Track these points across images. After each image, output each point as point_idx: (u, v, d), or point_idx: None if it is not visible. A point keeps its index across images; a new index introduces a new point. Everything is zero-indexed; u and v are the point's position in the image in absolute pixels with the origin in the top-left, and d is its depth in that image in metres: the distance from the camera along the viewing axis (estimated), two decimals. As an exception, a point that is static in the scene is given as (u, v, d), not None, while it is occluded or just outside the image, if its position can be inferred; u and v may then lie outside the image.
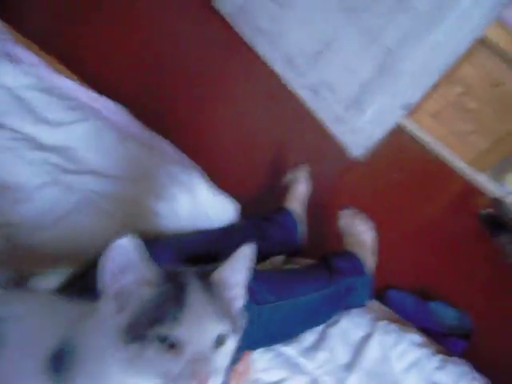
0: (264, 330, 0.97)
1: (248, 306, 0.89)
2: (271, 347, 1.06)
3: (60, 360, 0.58)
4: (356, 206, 1.46)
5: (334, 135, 2.00)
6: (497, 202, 2.36)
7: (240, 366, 0.95)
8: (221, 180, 1.39)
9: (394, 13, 1.77)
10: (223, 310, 0.54)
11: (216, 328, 0.52)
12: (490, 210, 2.27)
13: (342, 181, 1.94)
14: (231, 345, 0.55)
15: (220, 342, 0.53)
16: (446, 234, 2.07)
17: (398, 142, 2.23)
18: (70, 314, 0.62)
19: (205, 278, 0.56)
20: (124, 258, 0.52)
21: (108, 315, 0.54)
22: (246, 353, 0.98)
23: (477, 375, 1.29)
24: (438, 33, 1.68)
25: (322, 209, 1.60)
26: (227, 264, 0.58)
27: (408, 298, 1.59)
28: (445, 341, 1.48)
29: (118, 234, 1.07)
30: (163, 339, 0.50)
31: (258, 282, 0.97)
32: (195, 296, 0.52)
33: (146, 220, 1.17)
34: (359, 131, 1.94)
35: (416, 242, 1.92)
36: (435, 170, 2.32)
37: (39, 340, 0.60)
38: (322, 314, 1.13)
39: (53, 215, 1.11)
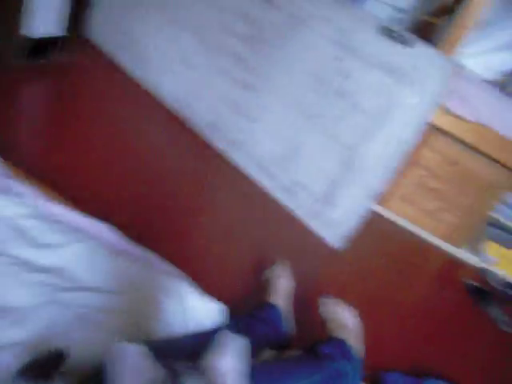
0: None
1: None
2: None
3: None
4: (342, 294, 1.54)
5: (312, 230, 2.13)
6: (480, 272, 2.45)
7: None
8: (207, 284, 1.49)
9: (348, 114, 2.00)
10: None
11: None
12: (474, 282, 2.35)
13: (326, 272, 2.03)
14: None
15: None
16: (436, 309, 2.13)
17: (374, 228, 2.36)
18: None
19: (196, 369, 0.61)
20: (135, 363, 0.59)
21: None
22: None
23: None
24: (388, 128, 1.90)
25: (307, 301, 1.68)
26: (212, 351, 0.63)
27: (402, 379, 1.61)
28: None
29: (113, 344, 1.15)
30: None
31: (253, 376, 1.03)
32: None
33: (139, 328, 1.24)
34: (335, 223, 2.08)
35: (407, 322, 1.97)
36: (415, 250, 2.44)
37: None
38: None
39: (50, 332, 1.18)
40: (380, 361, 1.64)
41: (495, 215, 2.51)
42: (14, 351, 1.10)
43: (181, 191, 2.03)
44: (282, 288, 1.51)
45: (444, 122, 2.24)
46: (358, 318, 1.45)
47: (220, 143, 2.35)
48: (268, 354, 1.30)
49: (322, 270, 2.03)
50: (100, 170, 1.93)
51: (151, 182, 2.01)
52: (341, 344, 1.32)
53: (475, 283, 2.34)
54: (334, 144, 2.05)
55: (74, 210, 1.54)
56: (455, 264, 2.47)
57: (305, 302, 1.68)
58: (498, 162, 2.26)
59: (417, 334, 1.91)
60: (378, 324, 1.83)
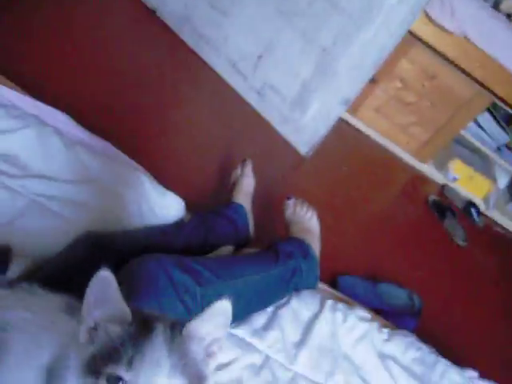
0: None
1: (191, 288, 0.94)
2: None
3: (52, 376, 0.60)
4: (307, 200, 1.52)
5: (281, 135, 2.07)
6: (443, 189, 2.49)
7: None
8: (170, 182, 1.44)
9: (327, 15, 1.87)
10: (184, 365, 0.53)
11: (167, 381, 0.51)
12: (437, 197, 2.39)
13: (292, 177, 2.01)
14: None
15: None
16: (397, 221, 2.17)
17: (344, 137, 2.33)
18: (64, 329, 0.63)
19: (175, 329, 0.55)
20: (102, 290, 0.54)
21: (81, 345, 0.56)
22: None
23: (423, 345, 1.36)
24: (368, 31, 1.79)
25: (272, 204, 1.66)
26: (201, 318, 0.56)
27: (358, 282, 1.66)
28: (396, 320, 1.55)
29: (68, 234, 1.11)
30: (114, 380, 0.51)
31: (202, 265, 1.01)
32: (155, 344, 0.52)
33: (94, 219, 1.19)
34: (304, 129, 2.02)
35: (368, 231, 2.00)
36: (382, 162, 2.43)
37: (37, 353, 0.62)
38: (270, 295, 1.18)
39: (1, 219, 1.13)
40: (339, 266, 1.68)
41: (465, 134, 2.50)
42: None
43: (147, 87, 1.91)
44: (246, 187, 1.47)
45: (426, 33, 2.14)
46: (319, 221, 1.44)
47: (191, 38, 2.19)
48: (227, 250, 1.29)
49: (288, 174, 2.01)
50: (59, 63, 1.77)
51: (120, 78, 1.88)
52: (300, 243, 1.32)
53: (437, 199, 2.38)
54: (309, 45, 1.93)
55: (24, 94, 1.42)
56: (420, 179, 2.50)
57: (269, 205, 1.66)
58: (476, 80, 2.20)
59: (377, 244, 1.95)
60: (339, 231, 1.85)
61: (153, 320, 0.55)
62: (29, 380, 0.62)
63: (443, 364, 1.37)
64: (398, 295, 1.72)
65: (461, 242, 2.24)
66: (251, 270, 1.11)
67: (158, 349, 0.51)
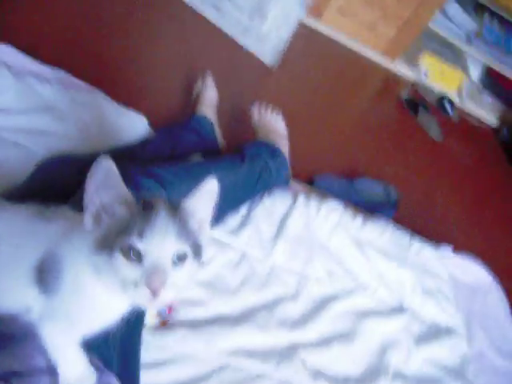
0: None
1: (155, 191, 0.95)
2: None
3: (44, 272, 0.65)
4: (278, 109, 1.51)
5: (244, 47, 2.01)
6: (415, 85, 2.47)
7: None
8: (133, 103, 1.41)
9: None
10: (186, 233, 0.59)
11: (175, 246, 0.57)
12: (410, 95, 2.37)
13: (260, 89, 1.97)
14: (190, 267, 0.59)
15: (179, 260, 0.57)
16: (371, 121, 2.16)
17: (310, 44, 2.27)
18: (45, 232, 0.68)
19: (173, 205, 0.60)
20: (105, 177, 0.58)
21: (87, 229, 0.60)
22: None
23: (398, 228, 1.41)
24: None
25: (241, 116, 1.64)
26: (193, 196, 0.61)
27: (334, 180, 1.68)
28: (374, 212, 1.58)
29: (31, 162, 1.10)
30: (127, 249, 0.56)
31: (165, 170, 1.02)
32: (161, 216, 0.57)
33: (55, 146, 1.18)
34: (266, 38, 1.96)
35: (342, 132, 2.00)
36: (352, 65, 2.38)
37: (23, 259, 0.66)
38: (239, 195, 1.19)
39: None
40: (314, 167, 1.69)
41: (433, 27, 2.43)
42: None
43: (103, 10, 1.82)
44: (208, 99, 1.45)
45: None
46: (285, 123, 1.44)
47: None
48: (195, 158, 1.29)
49: (256, 86, 1.97)
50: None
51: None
52: (267, 144, 1.32)
53: (410, 96, 2.36)
54: None
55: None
56: (392, 78, 2.46)
57: (238, 117, 1.64)
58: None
59: (353, 144, 1.95)
60: (314, 135, 1.85)
61: (151, 199, 0.60)
62: (17, 280, 0.66)
63: (418, 242, 1.42)
64: (374, 189, 1.74)
65: (436, 137, 2.26)
66: (217, 172, 1.11)
67: (163, 219, 0.57)
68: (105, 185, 0.58)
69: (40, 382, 0.68)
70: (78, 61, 1.54)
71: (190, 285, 1.07)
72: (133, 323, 0.85)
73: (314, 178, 1.64)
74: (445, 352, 1.24)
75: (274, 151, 1.29)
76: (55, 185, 1.04)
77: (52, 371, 0.70)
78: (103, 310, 0.67)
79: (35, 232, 0.69)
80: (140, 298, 0.57)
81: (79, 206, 0.63)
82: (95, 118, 1.28)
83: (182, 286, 0.59)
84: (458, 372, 1.22)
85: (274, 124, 1.39)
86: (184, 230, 0.59)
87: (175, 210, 0.60)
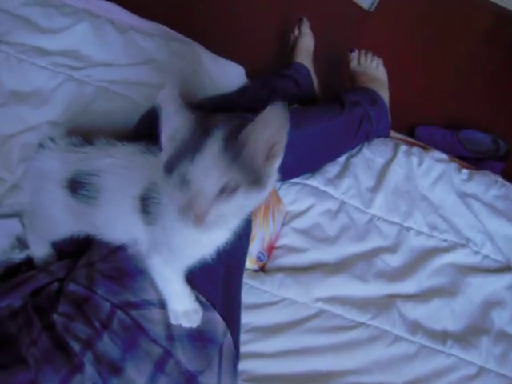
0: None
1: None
2: (296, 182, 1.13)
3: (146, 203, 0.70)
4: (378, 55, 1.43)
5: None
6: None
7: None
8: (228, 53, 1.42)
9: None
10: (240, 162, 0.56)
11: (222, 175, 0.55)
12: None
13: (357, 33, 1.88)
14: (244, 198, 0.57)
15: (228, 190, 0.56)
16: (479, 66, 1.98)
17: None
18: (149, 164, 0.72)
19: (233, 133, 0.57)
20: (167, 106, 0.59)
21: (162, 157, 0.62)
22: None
23: (508, 183, 1.30)
24: None
25: (337, 62, 1.58)
26: (255, 123, 0.57)
27: (437, 131, 1.58)
28: (480, 165, 1.48)
29: (136, 112, 1.16)
30: (181, 174, 0.57)
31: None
32: (211, 144, 0.56)
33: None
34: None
35: (446, 78, 1.86)
36: (458, 2, 2.17)
37: (129, 188, 0.72)
38: (339, 143, 1.17)
39: (75, 109, 1.20)
40: (415, 117, 1.60)
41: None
42: (44, 130, 1.14)
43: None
44: (305, 46, 1.41)
45: None
46: (386, 71, 1.37)
47: None
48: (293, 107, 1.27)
49: (353, 31, 1.88)
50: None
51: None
52: (367, 91, 1.26)
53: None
54: None
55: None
56: (506, 16, 2.21)
57: (334, 63, 1.58)
58: None
59: (458, 92, 1.81)
60: (414, 82, 1.74)
61: (213, 126, 0.58)
62: (125, 210, 0.72)
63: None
64: (481, 140, 1.62)
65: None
66: (317, 119, 1.09)
67: (213, 147, 0.56)
68: (170, 112, 0.59)
69: (151, 314, 0.74)
70: (178, 16, 1.56)
71: (288, 232, 1.09)
72: (233, 267, 0.89)
73: (415, 129, 1.56)
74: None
75: (374, 99, 1.24)
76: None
77: (163, 305, 0.76)
78: (195, 240, 0.68)
79: (141, 164, 0.73)
80: (187, 222, 0.56)
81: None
82: (194, 69, 1.30)
83: (233, 214, 0.59)
84: None
85: (374, 71, 1.33)
86: (238, 158, 0.56)
87: (233, 137, 0.57)
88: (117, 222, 0.76)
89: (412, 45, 1.91)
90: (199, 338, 0.76)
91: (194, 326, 0.76)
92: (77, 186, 0.75)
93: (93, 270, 0.79)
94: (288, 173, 1.09)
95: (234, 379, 0.82)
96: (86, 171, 0.75)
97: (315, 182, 1.14)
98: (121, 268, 0.78)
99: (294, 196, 1.12)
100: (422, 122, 1.60)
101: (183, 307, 0.76)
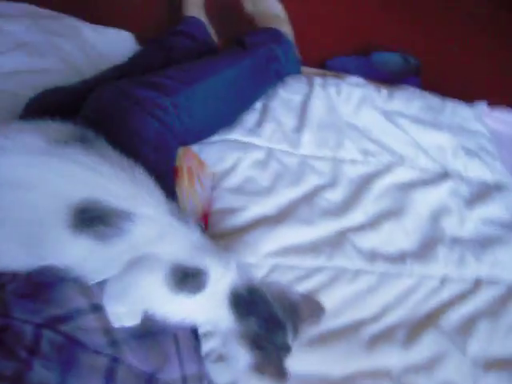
0: (190, 120, 0.92)
1: (159, 101, 0.85)
2: (215, 140, 1.04)
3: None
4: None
5: None
6: None
7: (187, 163, 0.93)
8: (115, 23, 1.28)
9: None
10: None
11: None
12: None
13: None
14: None
15: None
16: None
17: None
18: None
19: None
20: None
21: None
22: (186, 150, 0.96)
23: (426, 93, 1.29)
24: None
25: (232, 7, 1.48)
26: None
27: (349, 60, 1.54)
28: (397, 84, 1.45)
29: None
30: None
31: (164, 77, 0.92)
32: None
33: (41, 81, 1.08)
34: None
35: (353, 6, 1.81)
36: None
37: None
38: (250, 88, 1.08)
39: None
40: (324, 51, 1.55)
41: None
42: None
43: None
44: (192, -2, 1.30)
45: None
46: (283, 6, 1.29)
47: None
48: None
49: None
50: None
51: None
52: (269, 30, 1.18)
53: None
54: None
55: None
56: None
57: (227, 10, 1.48)
58: None
59: (362, 17, 1.77)
60: (318, 17, 1.68)
61: None
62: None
63: (451, 104, 1.31)
64: (392, 61, 1.60)
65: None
66: (220, 67, 1.00)
67: None
68: None
69: (85, 323, 0.64)
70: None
71: (220, 194, 1.00)
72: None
73: (326, 62, 1.51)
74: (498, 208, 1.17)
75: (277, 36, 1.17)
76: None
77: (95, 308, 0.65)
78: None
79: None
80: None
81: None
82: (77, 45, 1.16)
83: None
84: (516, 225, 1.16)
85: (271, 8, 1.24)
86: None
87: None
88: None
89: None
90: (146, 334, 0.67)
91: (138, 321, 0.67)
92: None
93: (3, 293, 0.66)
94: (203, 132, 1.00)
95: (200, 364, 0.74)
96: None
97: (235, 134, 1.06)
98: (35, 281, 0.66)
99: (216, 155, 1.03)
100: (331, 54, 1.55)
101: (125, 306, 0.66)
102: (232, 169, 1.02)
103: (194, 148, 1.00)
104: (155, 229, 0.61)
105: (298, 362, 0.70)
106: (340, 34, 1.68)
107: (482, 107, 1.37)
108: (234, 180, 1.01)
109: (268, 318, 0.62)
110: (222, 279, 0.63)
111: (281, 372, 0.61)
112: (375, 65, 1.56)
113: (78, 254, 0.61)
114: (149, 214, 0.61)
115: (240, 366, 0.62)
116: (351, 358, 0.86)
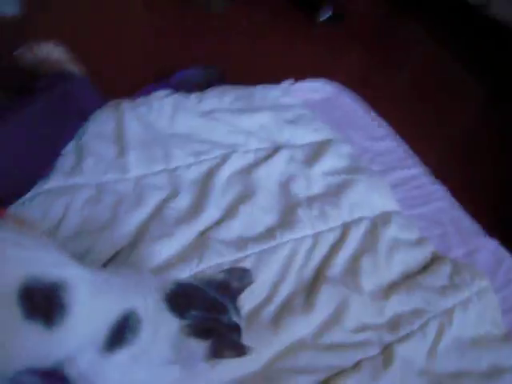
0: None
1: None
2: (33, 194, 0.92)
3: None
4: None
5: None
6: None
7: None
8: None
9: None
10: None
11: None
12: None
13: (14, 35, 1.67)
14: None
15: None
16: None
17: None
18: None
19: None
20: None
21: None
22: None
23: (236, 87, 1.34)
24: None
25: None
26: None
27: (150, 88, 1.54)
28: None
29: None
30: None
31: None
32: None
33: None
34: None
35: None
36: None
37: None
38: (50, 133, 0.97)
39: None
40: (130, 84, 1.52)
41: None
42: None
43: None
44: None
45: None
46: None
47: None
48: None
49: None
50: None
51: None
52: (58, 73, 1.12)
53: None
54: None
55: None
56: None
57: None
58: None
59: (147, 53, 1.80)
60: (109, 54, 1.67)
61: None
62: None
63: (260, 88, 1.38)
64: (196, 76, 1.64)
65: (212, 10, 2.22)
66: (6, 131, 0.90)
67: None
68: None
69: None
70: None
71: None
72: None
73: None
74: (336, 160, 1.25)
75: (67, 75, 1.11)
76: None
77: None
78: None
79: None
80: None
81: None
82: None
83: None
84: (355, 167, 1.23)
85: (51, 53, 1.19)
86: None
87: None
88: None
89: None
90: None
91: None
92: None
93: None
94: (16, 191, 0.89)
95: None
96: None
97: (55, 182, 0.96)
98: None
99: (40, 210, 0.91)
100: (137, 85, 1.53)
101: None
102: (63, 218, 0.91)
103: (10, 208, 0.87)
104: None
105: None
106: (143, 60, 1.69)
107: (288, 83, 1.47)
108: (68, 227, 0.90)
109: (207, 303, 0.64)
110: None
111: (239, 348, 0.63)
112: (179, 84, 1.57)
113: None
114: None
115: (198, 358, 0.62)
116: (260, 344, 0.80)
